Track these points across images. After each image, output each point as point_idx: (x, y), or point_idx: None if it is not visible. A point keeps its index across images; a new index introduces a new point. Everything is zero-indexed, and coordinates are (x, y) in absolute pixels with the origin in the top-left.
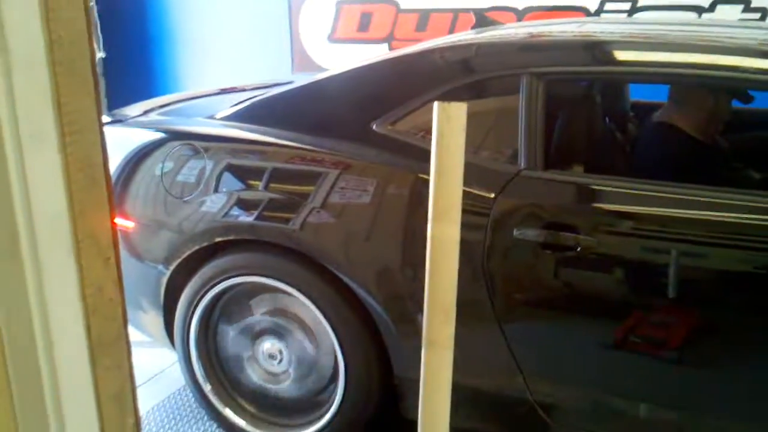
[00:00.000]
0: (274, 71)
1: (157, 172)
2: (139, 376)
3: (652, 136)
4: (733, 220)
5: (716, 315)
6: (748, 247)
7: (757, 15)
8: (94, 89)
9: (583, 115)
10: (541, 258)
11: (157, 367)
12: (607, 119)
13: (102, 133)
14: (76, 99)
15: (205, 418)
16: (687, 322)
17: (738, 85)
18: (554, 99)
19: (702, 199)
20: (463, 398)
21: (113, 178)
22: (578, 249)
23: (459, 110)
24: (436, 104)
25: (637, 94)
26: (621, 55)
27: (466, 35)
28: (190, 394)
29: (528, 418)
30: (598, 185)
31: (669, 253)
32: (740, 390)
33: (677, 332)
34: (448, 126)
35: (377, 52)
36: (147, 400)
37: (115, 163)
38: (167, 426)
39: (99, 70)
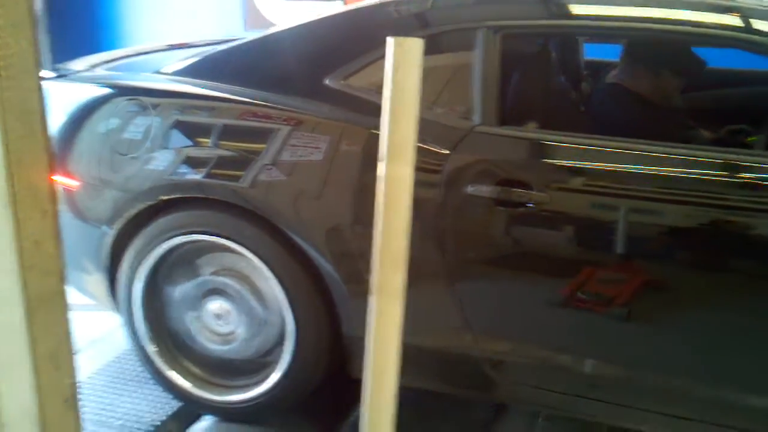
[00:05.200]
0: (225, 28)
1: (102, 129)
2: (82, 340)
3: (605, 96)
4: (682, 175)
5: (665, 271)
6: (697, 203)
7: None
8: (31, 33)
9: (538, 71)
10: (494, 214)
11: (101, 330)
12: (562, 77)
13: (39, 81)
14: (11, 42)
15: (150, 381)
16: (636, 279)
17: (691, 39)
18: (510, 55)
19: (652, 154)
20: (410, 357)
21: (57, 136)
22: (531, 205)
23: (415, 45)
24: (390, 39)
25: (592, 53)
26: (577, 9)
27: None
28: (135, 358)
29: (476, 376)
30: (551, 141)
31: (619, 209)
32: (687, 346)
33: (626, 289)
34: (403, 61)
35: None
36: (90, 364)
37: (59, 119)
38: (110, 390)
39: (42, 24)
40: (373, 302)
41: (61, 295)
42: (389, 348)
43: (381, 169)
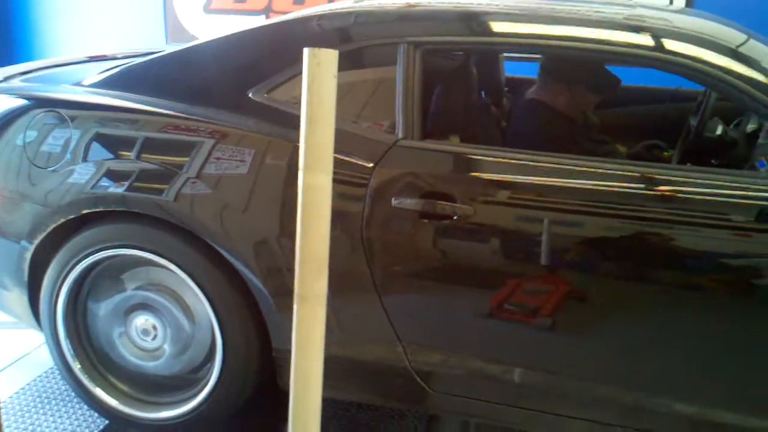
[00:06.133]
0: (147, 42)
1: (19, 142)
2: (2, 360)
3: (523, 111)
4: (602, 188)
5: (586, 282)
6: (616, 215)
7: None
8: None
9: (459, 86)
10: (419, 227)
11: (22, 350)
12: (483, 93)
13: None
14: None
15: (75, 400)
16: (559, 290)
17: (604, 57)
18: (431, 70)
19: (571, 168)
20: (341, 370)
21: None
22: (455, 218)
23: (330, 56)
24: (306, 50)
25: (513, 70)
26: (495, 26)
27: (344, 3)
28: (59, 376)
29: (407, 387)
30: (474, 155)
31: (542, 221)
32: (609, 354)
33: (550, 300)
34: (318, 72)
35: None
36: (11, 385)
37: None
38: (33, 410)
39: None
40: (296, 310)
41: None
42: (313, 353)
43: (300, 178)
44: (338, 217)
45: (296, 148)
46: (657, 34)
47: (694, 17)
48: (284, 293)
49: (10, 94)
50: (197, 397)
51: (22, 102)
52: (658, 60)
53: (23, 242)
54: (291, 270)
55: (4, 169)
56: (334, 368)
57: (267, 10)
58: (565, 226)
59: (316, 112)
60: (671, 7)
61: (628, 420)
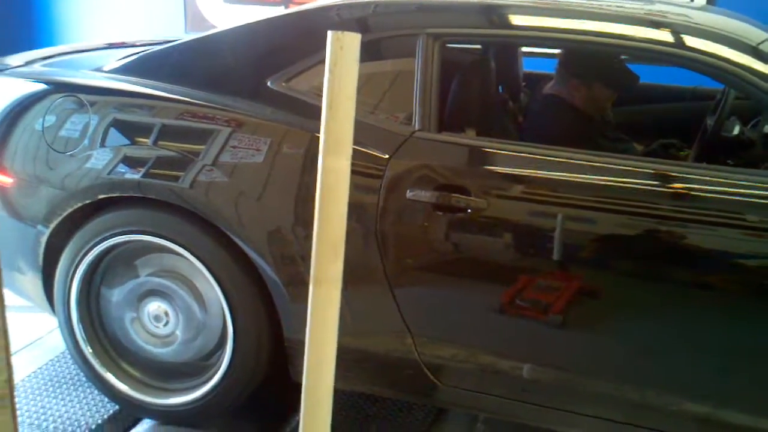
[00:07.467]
0: (166, 31)
1: (38, 126)
2: (16, 342)
3: (540, 107)
4: (617, 184)
5: (598, 278)
6: (630, 212)
7: None
8: None
9: (477, 80)
10: (432, 219)
11: (36, 333)
12: (500, 88)
13: None
14: None
15: (86, 384)
16: (571, 286)
17: (624, 53)
18: (450, 62)
19: (587, 163)
20: (352, 361)
21: None
22: (469, 211)
23: (353, 40)
24: (329, 33)
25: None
26: (514, 19)
27: None
28: (71, 361)
29: (416, 380)
30: (489, 148)
31: (556, 217)
32: (620, 352)
33: (562, 296)
34: (341, 55)
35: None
36: (24, 368)
37: None
38: (45, 393)
39: None
40: (312, 293)
41: None
42: (327, 337)
43: (320, 161)
44: (352, 208)
45: (313, 138)
46: (677, 31)
47: (715, 14)
48: (297, 282)
49: (31, 79)
50: (207, 384)
51: (42, 87)
52: (677, 56)
53: (39, 226)
54: (304, 259)
55: (22, 153)
56: (343, 358)
57: (286, 1)
58: (578, 222)
59: (338, 96)
60: (692, 4)
61: (638, 418)
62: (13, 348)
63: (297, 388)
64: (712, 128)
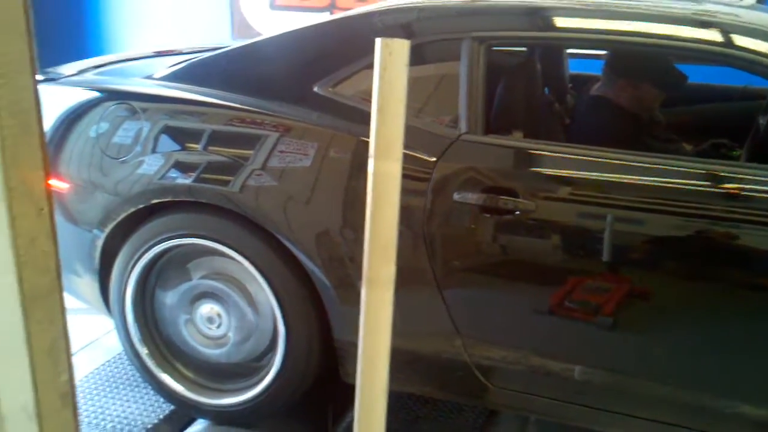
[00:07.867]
0: (213, 38)
1: (92, 133)
2: (75, 343)
3: (587, 108)
4: (667, 185)
5: (649, 280)
6: (681, 213)
7: None
8: (26, 32)
9: (523, 82)
10: (480, 222)
11: (93, 334)
12: (546, 90)
13: (34, 78)
14: (6, 41)
15: (142, 384)
16: (622, 288)
17: (671, 53)
18: (495, 65)
19: (636, 164)
20: (402, 362)
21: (46, 138)
22: (517, 213)
23: (402, 46)
24: (378, 40)
25: (577, 67)
26: (560, 21)
27: None
28: (127, 362)
29: (466, 381)
30: (536, 150)
31: (605, 218)
32: (672, 354)
33: (612, 297)
34: (390, 61)
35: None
36: (82, 369)
37: (48, 123)
38: (102, 393)
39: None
40: (364, 294)
41: (57, 292)
42: (380, 337)
43: (370, 165)
44: (400, 211)
45: (360, 142)
46: (726, 30)
47: (764, 13)
48: (346, 284)
49: (84, 87)
50: (259, 385)
51: (95, 95)
52: (727, 56)
53: (95, 231)
54: (353, 261)
55: (77, 160)
56: (394, 359)
57: (331, 7)
58: (628, 223)
59: (388, 101)
60: (741, 3)
61: (691, 421)
62: (71, 349)
63: (347, 388)
64: (764, 128)
